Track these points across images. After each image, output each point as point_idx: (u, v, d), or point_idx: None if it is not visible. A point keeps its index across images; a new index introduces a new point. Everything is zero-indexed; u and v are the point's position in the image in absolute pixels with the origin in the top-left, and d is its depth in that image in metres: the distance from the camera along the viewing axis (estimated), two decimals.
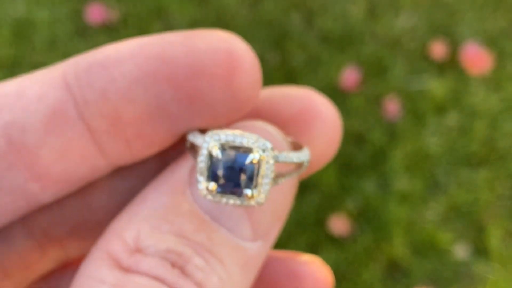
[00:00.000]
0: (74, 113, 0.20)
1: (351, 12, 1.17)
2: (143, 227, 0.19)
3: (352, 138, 1.05)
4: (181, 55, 0.20)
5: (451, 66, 1.12)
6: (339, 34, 1.15)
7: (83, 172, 0.21)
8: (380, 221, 0.99)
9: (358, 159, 1.04)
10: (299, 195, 1.00)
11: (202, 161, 0.19)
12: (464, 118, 1.08)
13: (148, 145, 0.22)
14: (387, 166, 1.03)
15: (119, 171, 0.24)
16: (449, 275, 0.96)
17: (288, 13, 1.17)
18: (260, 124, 0.22)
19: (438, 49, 1.13)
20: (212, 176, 0.19)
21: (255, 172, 0.19)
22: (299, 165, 0.21)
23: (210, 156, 0.19)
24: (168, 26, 1.16)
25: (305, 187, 1.00)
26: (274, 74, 1.10)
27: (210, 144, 0.19)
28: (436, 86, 1.10)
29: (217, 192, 0.19)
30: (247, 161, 0.19)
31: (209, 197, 0.19)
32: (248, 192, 0.19)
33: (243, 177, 0.19)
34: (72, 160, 0.21)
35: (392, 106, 1.07)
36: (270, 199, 0.21)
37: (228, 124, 0.22)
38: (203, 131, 0.21)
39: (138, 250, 0.19)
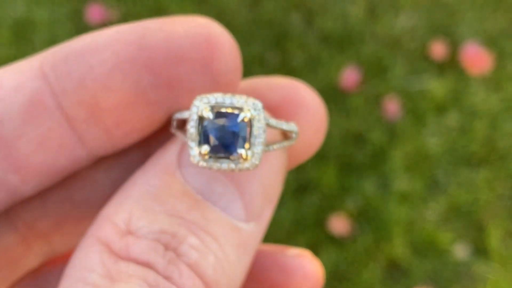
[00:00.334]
0: (52, 102, 0.20)
1: (351, 12, 1.17)
2: (135, 209, 0.19)
3: (352, 138, 1.05)
4: (159, 41, 0.20)
5: (451, 66, 1.12)
6: (339, 34, 1.15)
7: (63, 163, 0.21)
8: (380, 221, 0.99)
9: (358, 159, 1.04)
10: (299, 195, 1.01)
11: (192, 126, 0.19)
12: (464, 118, 1.08)
13: (129, 133, 0.21)
14: (387, 166, 1.03)
15: (101, 163, 0.23)
16: (449, 275, 0.96)
17: (288, 13, 1.17)
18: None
19: (438, 49, 1.13)
20: (204, 140, 0.19)
21: (248, 132, 0.19)
22: (289, 137, 0.21)
23: (200, 120, 0.19)
24: None
25: (305, 187, 1.00)
26: (274, 74, 1.10)
27: (200, 107, 0.19)
28: (436, 86, 1.10)
29: (210, 157, 0.19)
30: (239, 119, 0.19)
31: (202, 163, 0.19)
32: (242, 151, 0.19)
33: (235, 137, 0.19)
34: (51, 150, 0.21)
35: (392, 106, 1.07)
36: (261, 177, 0.20)
37: None
38: (181, 122, 0.21)
39: (129, 232, 0.19)
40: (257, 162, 0.19)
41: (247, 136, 0.19)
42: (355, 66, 1.10)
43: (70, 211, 0.23)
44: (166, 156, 0.21)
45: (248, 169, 0.19)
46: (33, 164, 0.21)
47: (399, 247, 0.97)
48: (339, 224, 0.98)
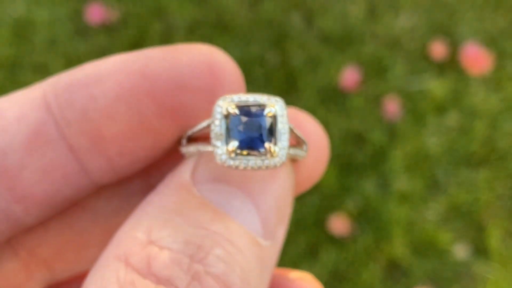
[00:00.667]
0: (55, 133, 0.20)
1: (351, 12, 1.17)
2: (155, 222, 0.18)
3: (352, 138, 1.05)
4: (162, 70, 0.20)
5: (451, 66, 1.12)
6: (339, 34, 1.15)
7: (67, 192, 0.21)
8: (380, 221, 0.99)
9: (358, 159, 1.04)
10: (299, 195, 1.00)
11: (217, 125, 0.19)
12: (464, 118, 1.08)
13: (132, 162, 0.21)
14: (387, 166, 1.03)
15: (103, 191, 0.23)
16: (449, 275, 0.96)
17: (288, 13, 1.17)
18: None
19: (438, 49, 1.13)
20: (231, 137, 0.19)
21: (273, 127, 0.19)
22: (300, 146, 0.21)
23: (225, 118, 0.19)
24: (168, 26, 1.16)
25: None
26: (274, 74, 1.10)
27: (223, 105, 0.19)
28: (436, 86, 1.10)
29: (236, 155, 0.19)
30: (264, 113, 0.19)
31: (229, 161, 0.19)
32: (269, 145, 0.19)
33: (261, 131, 0.19)
34: (55, 180, 0.21)
35: (392, 106, 1.07)
36: (274, 192, 0.20)
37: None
38: (192, 139, 0.21)
39: (151, 242, 0.18)
40: (284, 159, 0.19)
41: (274, 130, 0.19)
42: (355, 66, 1.10)
43: (71, 239, 0.23)
44: (179, 175, 0.20)
45: (275, 166, 0.19)
46: (36, 194, 0.21)
47: (399, 247, 0.97)
48: (339, 224, 0.98)
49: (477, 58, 1.11)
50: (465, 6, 1.18)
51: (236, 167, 0.19)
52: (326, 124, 1.02)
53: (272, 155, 0.19)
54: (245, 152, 0.19)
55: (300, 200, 0.99)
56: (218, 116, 0.19)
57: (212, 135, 0.19)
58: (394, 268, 0.97)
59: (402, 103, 1.08)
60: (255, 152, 0.19)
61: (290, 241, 0.97)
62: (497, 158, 1.05)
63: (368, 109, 1.08)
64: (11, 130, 0.20)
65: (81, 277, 0.23)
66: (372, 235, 0.98)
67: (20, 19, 1.17)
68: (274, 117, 0.19)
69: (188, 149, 0.21)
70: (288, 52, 1.13)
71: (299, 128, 0.22)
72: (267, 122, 0.19)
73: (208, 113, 0.20)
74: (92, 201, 0.23)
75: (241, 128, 0.19)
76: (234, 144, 0.19)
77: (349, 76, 1.09)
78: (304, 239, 0.98)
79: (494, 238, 0.98)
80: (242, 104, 0.19)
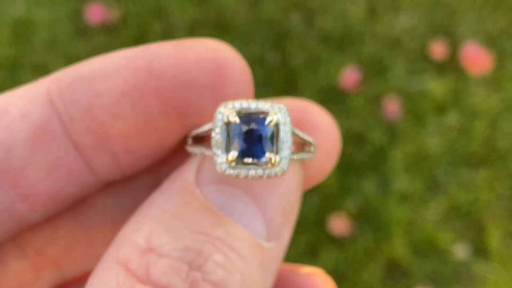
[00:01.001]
0: (59, 130, 0.20)
1: (351, 12, 1.17)
2: (155, 227, 0.18)
3: (352, 138, 1.05)
4: (168, 67, 0.19)
5: (451, 66, 1.12)
6: (339, 34, 1.15)
7: (72, 190, 0.21)
8: (380, 221, 0.99)
9: (358, 159, 1.04)
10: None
11: (218, 133, 0.18)
12: (464, 118, 1.08)
13: (138, 159, 0.21)
14: (387, 166, 1.03)
15: (110, 188, 0.23)
16: (449, 275, 0.96)
17: (288, 13, 1.17)
18: None
19: (438, 49, 1.13)
20: (231, 146, 0.18)
21: (275, 135, 0.18)
22: (307, 147, 0.21)
23: (226, 126, 0.18)
24: (168, 26, 1.16)
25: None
26: (274, 74, 1.10)
27: (225, 113, 0.18)
28: (436, 86, 1.10)
29: (237, 164, 0.18)
30: (266, 122, 0.18)
31: (229, 171, 0.18)
32: (270, 155, 0.18)
33: (262, 141, 0.18)
34: (60, 177, 0.20)
35: (392, 106, 1.07)
36: (280, 194, 0.20)
37: None
38: (198, 138, 0.21)
39: (150, 249, 0.18)
40: (285, 168, 0.19)
41: (275, 139, 0.19)
42: (355, 66, 1.10)
43: (79, 237, 0.23)
44: (183, 176, 0.20)
45: (276, 175, 0.18)
46: (41, 192, 0.20)
47: (399, 247, 0.97)
48: (339, 224, 0.98)
49: (477, 58, 1.11)
50: (465, 6, 1.18)
51: (236, 176, 0.19)
52: None
53: (273, 165, 0.18)
54: (245, 161, 0.19)
55: (300, 200, 0.99)
56: (219, 123, 0.18)
57: (213, 142, 0.19)
58: (394, 268, 0.97)
59: (402, 103, 1.08)
60: (256, 161, 0.19)
61: (290, 241, 0.96)
62: (497, 158, 1.05)
63: (368, 109, 1.08)
64: (15, 127, 0.20)
65: (88, 276, 0.23)
66: (372, 235, 0.98)
67: (20, 19, 1.17)
68: (276, 125, 0.18)
69: (193, 149, 0.20)
70: (288, 52, 1.13)
71: (309, 121, 0.21)
72: (269, 131, 0.18)
73: (215, 111, 0.20)
74: (100, 198, 0.23)
75: (241, 137, 0.18)
76: (234, 154, 0.18)
77: (349, 76, 1.09)
78: (304, 239, 0.98)
79: (494, 238, 0.98)
80: (244, 111, 0.18)
